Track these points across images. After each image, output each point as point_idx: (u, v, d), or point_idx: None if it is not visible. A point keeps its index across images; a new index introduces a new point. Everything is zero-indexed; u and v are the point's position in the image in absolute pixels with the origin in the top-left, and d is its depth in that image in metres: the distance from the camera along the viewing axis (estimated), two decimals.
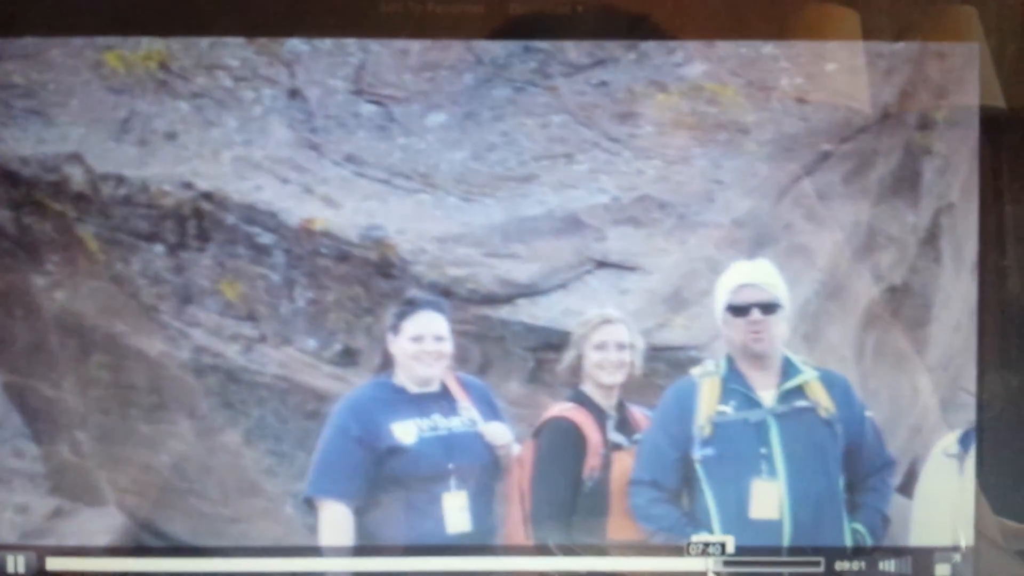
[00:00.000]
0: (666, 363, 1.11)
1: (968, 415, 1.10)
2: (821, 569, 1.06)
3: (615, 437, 1.12)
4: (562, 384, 1.11)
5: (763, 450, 1.09)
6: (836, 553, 1.06)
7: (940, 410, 1.10)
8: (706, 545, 1.06)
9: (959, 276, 1.11)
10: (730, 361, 1.11)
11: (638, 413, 1.13)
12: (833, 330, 1.12)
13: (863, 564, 1.06)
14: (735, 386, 1.11)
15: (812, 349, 1.12)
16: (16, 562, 1.06)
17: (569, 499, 1.10)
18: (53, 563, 1.07)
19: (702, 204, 1.10)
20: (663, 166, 1.10)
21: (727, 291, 1.10)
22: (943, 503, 1.10)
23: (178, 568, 1.08)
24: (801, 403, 1.10)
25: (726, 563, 1.06)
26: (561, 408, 1.11)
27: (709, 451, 1.09)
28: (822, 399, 1.10)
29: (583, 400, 1.11)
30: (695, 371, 1.11)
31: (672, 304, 1.11)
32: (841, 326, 1.12)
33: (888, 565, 1.07)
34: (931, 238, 1.10)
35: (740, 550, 1.06)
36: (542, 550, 1.09)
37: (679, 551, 1.06)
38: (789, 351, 1.11)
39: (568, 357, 1.11)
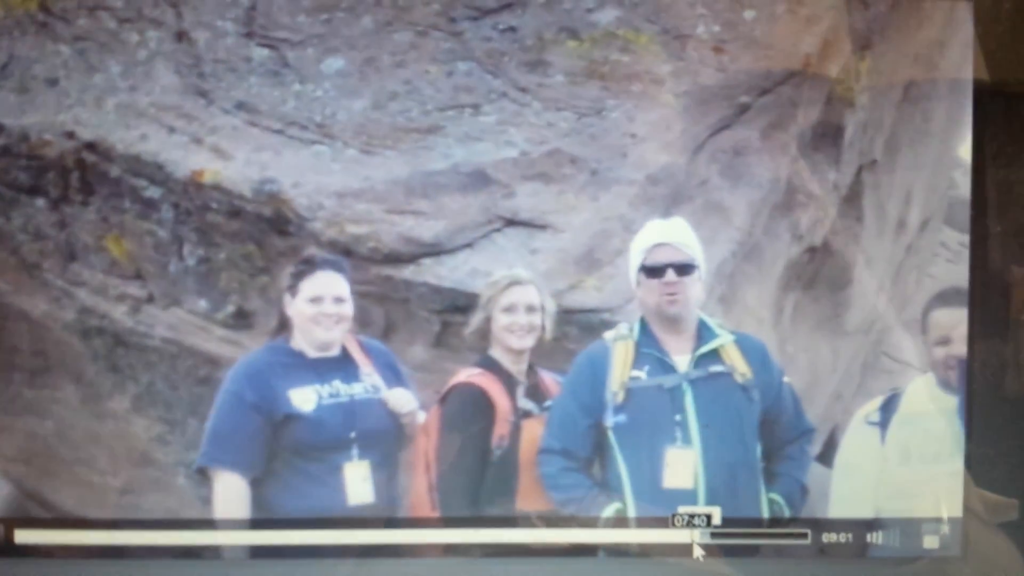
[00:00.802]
0: (578, 326, 1.08)
1: (891, 381, 1.08)
2: (808, 541, 1.05)
3: (525, 404, 1.08)
4: (469, 348, 1.08)
5: (677, 417, 1.06)
6: (823, 525, 1.05)
7: (861, 376, 1.08)
8: (691, 516, 1.04)
9: (882, 236, 1.08)
10: (644, 324, 1.08)
11: (549, 379, 1.09)
12: (750, 292, 1.09)
13: (850, 536, 1.05)
14: (649, 350, 1.07)
15: (728, 312, 1.09)
16: None
17: (477, 468, 1.07)
18: (22, 535, 1.04)
19: (615, 159, 1.06)
20: (574, 118, 1.06)
21: (641, 251, 1.06)
22: (864, 473, 1.08)
23: (142, 542, 1.04)
24: (717, 368, 1.07)
25: (713, 535, 1.04)
26: (468, 374, 1.07)
27: (622, 418, 1.06)
28: (738, 364, 1.07)
29: (491, 365, 1.07)
30: (608, 335, 1.08)
31: (584, 264, 1.08)
32: (759, 288, 1.09)
33: (876, 537, 1.05)
34: (853, 196, 1.07)
35: (727, 521, 1.04)
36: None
37: (664, 523, 1.04)
38: (705, 314, 1.08)
39: (476, 320, 1.07)
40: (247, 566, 1.06)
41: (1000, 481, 1.06)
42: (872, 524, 1.05)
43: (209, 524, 1.05)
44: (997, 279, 1.05)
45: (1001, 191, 1.05)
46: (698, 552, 1.05)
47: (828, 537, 1.05)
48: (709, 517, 1.05)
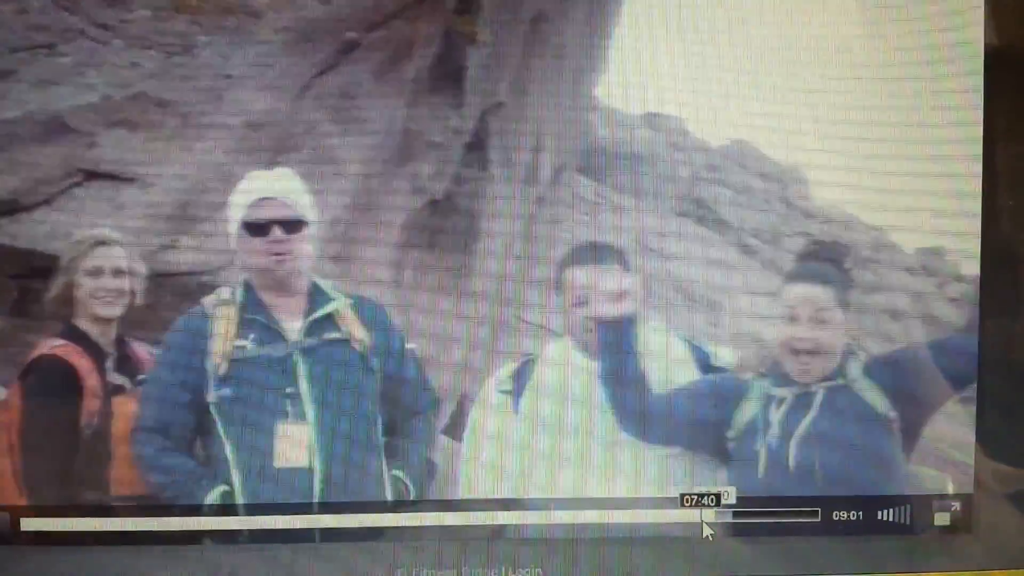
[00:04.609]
0: (173, 291, 1.35)
1: (524, 346, 1.40)
2: (818, 519, 1.31)
3: (115, 378, 1.32)
4: (51, 317, 1.31)
5: (289, 389, 1.31)
6: (834, 503, 1.31)
7: (492, 341, 1.39)
8: (700, 496, 1.31)
9: (511, 187, 1.39)
10: (248, 288, 1.32)
11: (142, 350, 1.33)
12: (367, 250, 1.38)
13: (860, 514, 1.32)
14: (255, 317, 1.32)
15: (344, 273, 1.37)
16: None
17: (66, 450, 1.33)
18: (28, 523, 1.30)
19: (209, 103, 1.33)
20: (162, 58, 1.33)
21: (243, 206, 1.29)
22: (497, 446, 1.40)
23: (147, 527, 1.30)
24: (332, 335, 1.33)
25: (721, 514, 1.31)
26: (50, 345, 1.31)
27: (226, 392, 1.31)
28: (356, 330, 1.33)
29: (76, 336, 1.31)
30: (207, 300, 1.31)
31: (178, 221, 1.36)
32: (376, 246, 1.38)
33: (886, 515, 1.32)
34: (478, 143, 1.37)
35: (741, 500, 1.31)
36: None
37: (672, 503, 1.31)
38: (317, 275, 1.33)
39: (56, 285, 1.30)
40: None
41: (1011, 452, 1.33)
42: (883, 501, 1.32)
43: None
44: (1007, 252, 1.31)
45: (1013, 164, 1.29)
46: (707, 532, 1.32)
47: (839, 515, 1.32)
48: (718, 496, 1.32)
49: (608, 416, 1.34)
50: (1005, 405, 1.33)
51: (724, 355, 1.35)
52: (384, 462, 1.34)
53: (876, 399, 1.32)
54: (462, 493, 1.35)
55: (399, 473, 1.35)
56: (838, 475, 1.32)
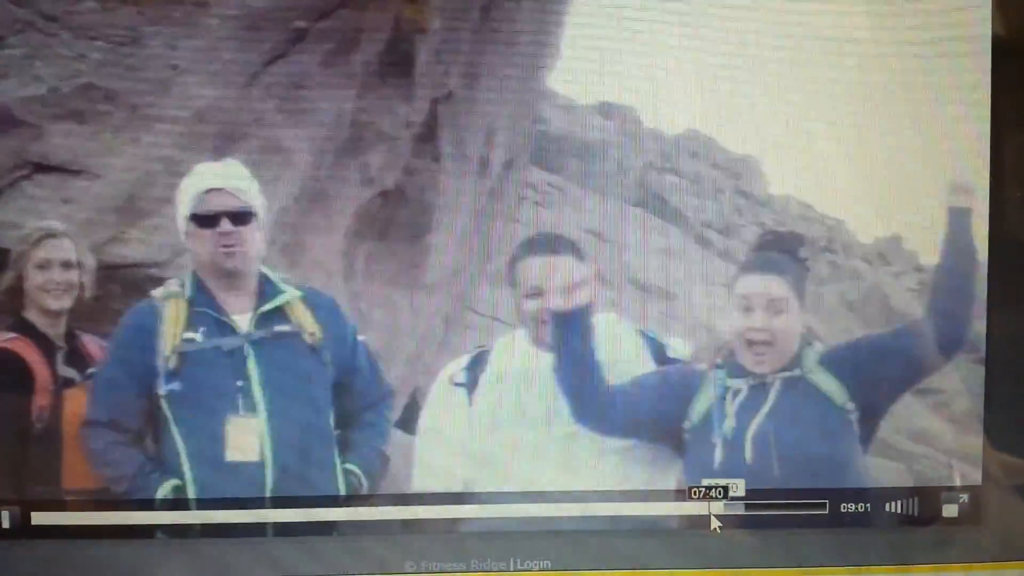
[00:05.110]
0: (122, 283, 1.36)
1: (478, 338, 1.40)
2: (825, 511, 1.34)
3: (65, 371, 1.32)
4: (1, 311, 1.32)
5: (240, 383, 1.32)
6: (840, 495, 1.33)
7: (445, 333, 1.39)
8: (708, 488, 1.33)
9: (463, 177, 1.39)
10: (197, 280, 1.32)
11: (91, 343, 1.33)
12: (318, 242, 1.38)
13: (868, 506, 1.34)
14: (204, 309, 1.32)
15: (294, 265, 1.37)
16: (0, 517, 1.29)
17: (19, 444, 1.35)
18: (38, 517, 1.32)
19: (157, 94, 1.34)
20: (108, 49, 1.33)
21: (191, 198, 1.30)
22: (450, 439, 1.40)
23: (162, 521, 1.33)
24: (283, 327, 1.33)
25: (730, 507, 1.33)
26: (2, 338, 1.32)
27: (176, 385, 1.32)
28: (307, 322, 1.34)
29: (26, 329, 1.32)
30: (156, 293, 1.32)
31: (126, 214, 1.36)
32: (327, 238, 1.38)
33: (893, 507, 1.34)
34: (428, 133, 1.37)
35: (749, 493, 1.32)
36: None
37: (680, 495, 1.33)
38: (267, 267, 1.33)
39: (6, 279, 1.31)
40: None
41: (1019, 444, 1.34)
42: (890, 494, 1.33)
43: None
44: (1015, 243, 1.31)
45: (1019, 155, 1.29)
46: (715, 524, 1.34)
47: (846, 507, 1.33)
48: (726, 488, 1.33)
49: (563, 408, 1.33)
50: (1012, 396, 1.34)
51: (679, 346, 1.35)
52: (336, 455, 1.34)
53: (833, 390, 1.32)
54: (416, 487, 1.35)
55: (352, 466, 1.35)
56: (795, 467, 1.31)
